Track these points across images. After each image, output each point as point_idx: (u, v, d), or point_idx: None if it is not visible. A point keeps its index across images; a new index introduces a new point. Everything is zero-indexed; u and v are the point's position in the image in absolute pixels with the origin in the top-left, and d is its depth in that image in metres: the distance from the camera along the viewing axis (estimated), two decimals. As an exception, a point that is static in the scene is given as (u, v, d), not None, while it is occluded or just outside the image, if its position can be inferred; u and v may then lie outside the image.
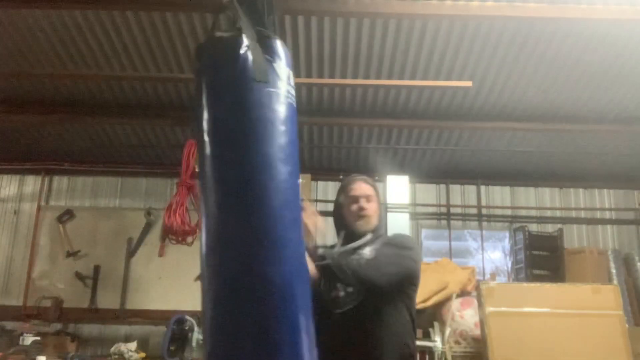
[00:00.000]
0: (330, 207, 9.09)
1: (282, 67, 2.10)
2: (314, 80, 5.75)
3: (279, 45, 2.14)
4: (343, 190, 2.76)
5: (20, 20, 5.05)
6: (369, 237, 2.56)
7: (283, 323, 1.84)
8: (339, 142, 7.37)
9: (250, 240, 1.88)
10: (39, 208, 7.93)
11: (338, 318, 2.35)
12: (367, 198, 2.67)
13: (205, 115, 2.05)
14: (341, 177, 8.10)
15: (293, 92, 2.13)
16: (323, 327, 2.20)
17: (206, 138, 2.02)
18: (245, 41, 2.03)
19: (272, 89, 2.01)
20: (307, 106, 6.48)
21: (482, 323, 5.34)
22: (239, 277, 1.86)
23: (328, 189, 8.08)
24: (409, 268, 2.46)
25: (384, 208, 2.72)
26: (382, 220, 2.68)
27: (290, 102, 2.09)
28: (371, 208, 2.65)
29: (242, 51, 2.01)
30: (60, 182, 8.13)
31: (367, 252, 2.45)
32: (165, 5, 4.71)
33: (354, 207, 2.64)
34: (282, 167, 1.96)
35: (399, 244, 2.56)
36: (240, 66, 2.00)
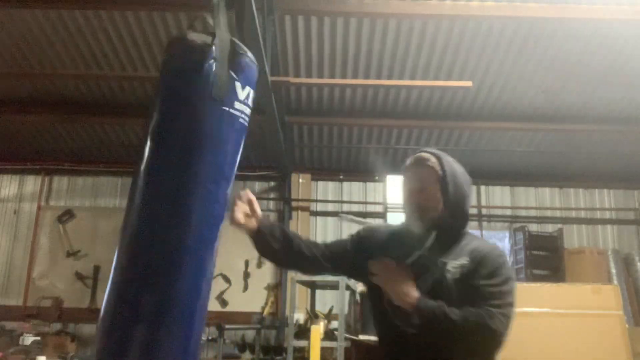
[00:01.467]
0: (330, 207, 9.07)
1: (245, 86, 2.05)
2: (314, 80, 5.75)
3: (246, 62, 2.07)
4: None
5: (20, 20, 5.05)
6: (432, 236, 1.87)
7: (173, 337, 1.86)
8: (339, 142, 7.37)
9: (160, 251, 1.89)
10: (39, 208, 7.93)
11: (411, 339, 1.81)
12: (417, 187, 1.93)
13: (154, 117, 2.02)
14: (341, 177, 8.11)
15: (248, 111, 2.08)
16: (396, 347, 1.88)
17: (148, 140, 2.00)
18: (214, 53, 1.97)
19: (225, 108, 1.97)
20: (307, 106, 6.48)
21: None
22: (141, 285, 1.89)
23: (328, 189, 8.08)
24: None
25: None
26: (453, 204, 1.85)
27: (242, 122, 2.05)
28: (422, 199, 1.89)
29: (207, 64, 1.96)
30: (60, 182, 8.13)
31: (451, 268, 1.80)
32: (165, 5, 4.71)
33: (404, 205, 1.98)
34: (212, 187, 1.95)
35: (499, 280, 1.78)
36: (202, 78, 1.95)
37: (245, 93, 2.05)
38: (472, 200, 2.00)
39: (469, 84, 5.49)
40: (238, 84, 2.01)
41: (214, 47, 1.98)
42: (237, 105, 2.01)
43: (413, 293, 1.75)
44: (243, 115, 2.05)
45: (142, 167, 1.98)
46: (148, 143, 1.99)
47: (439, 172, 1.87)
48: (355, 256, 1.99)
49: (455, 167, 1.92)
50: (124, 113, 6.55)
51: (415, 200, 1.90)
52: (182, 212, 1.90)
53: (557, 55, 5.34)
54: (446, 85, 5.64)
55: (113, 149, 7.61)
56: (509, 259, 7.87)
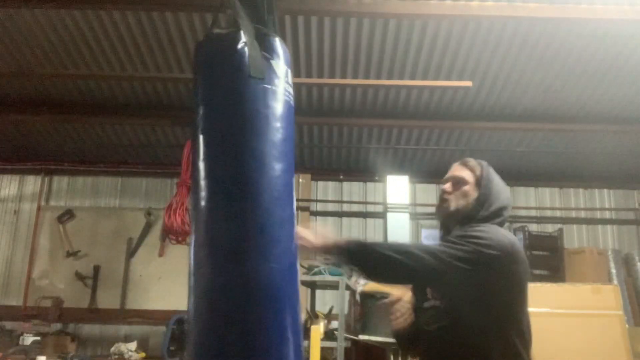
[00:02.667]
0: (330, 207, 9.08)
1: (280, 65, 2.09)
2: (314, 80, 5.75)
3: (277, 43, 2.13)
4: None
5: (20, 20, 5.05)
6: (457, 229, 1.98)
7: (268, 324, 1.84)
8: (339, 142, 7.37)
9: (238, 237, 1.87)
10: (39, 208, 7.93)
11: (428, 337, 1.92)
12: (455, 180, 2.08)
13: (200, 111, 2.04)
14: (341, 177, 8.11)
15: (291, 90, 2.12)
16: (420, 341, 1.98)
17: (200, 134, 2.02)
18: (243, 38, 2.02)
19: (268, 86, 2.01)
20: (307, 106, 6.48)
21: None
22: (225, 275, 1.86)
23: (328, 189, 8.08)
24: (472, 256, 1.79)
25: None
26: (483, 202, 1.99)
27: (287, 99, 2.07)
28: (453, 188, 2.06)
29: (239, 47, 2.00)
30: (60, 182, 8.13)
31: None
32: (165, 5, 4.71)
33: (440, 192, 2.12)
34: (275, 164, 1.95)
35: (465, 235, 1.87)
36: (236, 62, 1.99)
37: (282, 71, 2.10)
38: (505, 208, 2.09)
39: (469, 84, 5.49)
40: (274, 63, 2.06)
41: (241, 32, 2.02)
42: (277, 82, 2.05)
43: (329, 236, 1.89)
44: (286, 92, 2.09)
45: (200, 160, 1.98)
46: (200, 136, 2.00)
47: (477, 173, 2.09)
48: None
49: (495, 178, 2.12)
50: (124, 113, 6.55)
51: (449, 189, 2.06)
52: (249, 194, 1.89)
53: (557, 55, 5.34)
54: (446, 85, 5.64)
55: (113, 149, 7.61)
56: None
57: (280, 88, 2.05)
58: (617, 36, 5.00)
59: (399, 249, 1.80)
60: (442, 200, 2.06)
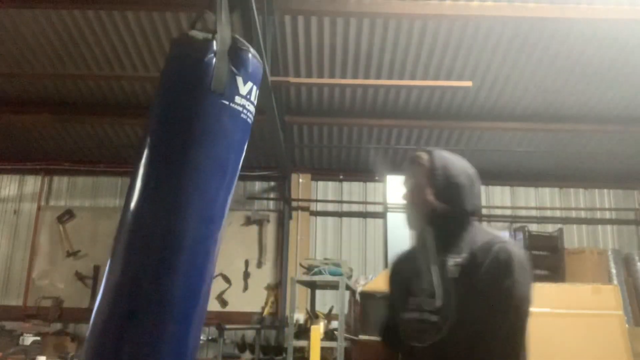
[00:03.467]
0: (330, 207, 9.07)
1: (246, 82, 2.04)
2: (314, 80, 5.74)
3: (250, 58, 2.06)
4: None
5: (20, 20, 5.05)
6: (428, 233, 1.79)
7: (172, 335, 1.83)
8: (339, 142, 7.37)
9: (158, 246, 1.85)
10: (39, 208, 7.93)
11: (420, 354, 1.71)
12: (409, 187, 1.91)
13: (154, 110, 2.01)
14: (341, 177, 8.11)
15: (251, 108, 2.07)
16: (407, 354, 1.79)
17: (147, 134, 1.99)
18: (215, 47, 1.98)
19: (226, 102, 1.96)
20: (307, 106, 6.48)
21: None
22: (139, 281, 1.85)
23: (328, 189, 8.08)
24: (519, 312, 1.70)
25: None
26: (444, 195, 1.78)
27: (244, 118, 2.03)
28: (413, 192, 1.88)
29: (207, 57, 1.96)
30: (60, 182, 8.14)
31: (451, 266, 1.68)
32: (165, 5, 4.71)
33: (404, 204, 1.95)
34: (212, 180, 1.93)
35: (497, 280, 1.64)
36: (200, 72, 1.94)
37: (247, 88, 2.04)
38: (477, 192, 1.85)
39: (469, 84, 5.49)
40: (239, 79, 2.01)
41: (214, 42, 1.98)
42: (237, 99, 2.00)
43: None
44: (245, 111, 2.03)
45: (141, 161, 1.95)
46: (147, 137, 1.98)
47: (428, 167, 1.83)
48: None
49: (449, 161, 1.85)
50: (124, 113, 6.55)
51: (409, 199, 1.87)
52: (180, 207, 1.87)
53: (557, 55, 5.34)
54: (446, 85, 5.64)
55: (113, 149, 7.61)
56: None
57: (239, 106, 2.00)
58: (617, 36, 5.00)
59: None
60: (407, 213, 1.89)
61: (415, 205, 1.84)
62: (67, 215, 7.84)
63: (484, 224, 8.01)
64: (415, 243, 1.85)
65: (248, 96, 2.05)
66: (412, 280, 1.77)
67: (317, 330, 4.56)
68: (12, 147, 7.67)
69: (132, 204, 1.92)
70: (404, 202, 1.89)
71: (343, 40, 5.25)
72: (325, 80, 5.75)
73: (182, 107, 1.96)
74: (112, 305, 1.86)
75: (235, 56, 2.02)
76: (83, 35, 5.26)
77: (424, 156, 1.87)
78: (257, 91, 2.10)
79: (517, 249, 1.69)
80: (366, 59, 5.52)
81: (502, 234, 1.78)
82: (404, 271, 1.86)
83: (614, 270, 7.26)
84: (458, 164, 1.86)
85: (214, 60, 1.96)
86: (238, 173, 2.06)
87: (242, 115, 2.02)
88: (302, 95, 6.26)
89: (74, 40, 5.32)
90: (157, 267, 1.85)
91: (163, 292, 1.83)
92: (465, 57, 5.43)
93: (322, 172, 8.06)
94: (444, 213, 1.76)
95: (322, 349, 4.62)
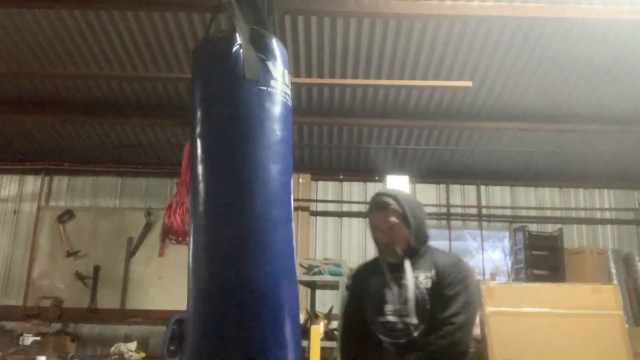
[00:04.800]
0: (330, 207, 9.05)
1: (277, 66, 2.07)
2: (314, 80, 5.75)
3: (274, 43, 2.11)
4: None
5: (20, 20, 5.06)
6: (407, 263, 2.28)
7: (266, 325, 1.84)
8: (339, 142, 7.37)
9: (234, 240, 1.88)
10: (39, 208, 7.93)
11: (397, 348, 2.21)
12: (386, 227, 2.33)
13: (197, 115, 2.04)
14: (341, 177, 8.11)
15: (288, 91, 2.11)
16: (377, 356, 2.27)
17: (197, 138, 2.02)
18: (238, 40, 2.01)
19: (263, 88, 2.00)
20: (307, 106, 6.48)
21: (482, 323, 5.33)
22: (222, 277, 1.87)
23: (328, 189, 8.08)
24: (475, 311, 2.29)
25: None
26: (415, 231, 2.29)
27: (284, 100, 2.06)
28: (392, 236, 2.31)
29: (233, 50, 1.99)
30: (60, 182, 8.13)
31: (422, 280, 2.23)
32: (165, 5, 4.71)
33: (376, 241, 2.41)
34: (271, 167, 1.95)
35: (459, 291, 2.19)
36: (231, 65, 1.98)
37: (279, 72, 2.08)
38: (426, 220, 2.42)
39: (469, 84, 5.49)
40: (270, 64, 2.05)
41: (237, 34, 2.01)
42: (273, 83, 2.04)
43: None
44: (283, 94, 2.07)
45: (198, 164, 1.99)
46: (197, 140, 2.01)
47: (400, 211, 2.28)
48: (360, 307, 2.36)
49: (411, 202, 2.35)
50: (124, 113, 6.55)
51: (387, 237, 2.30)
52: (245, 196, 1.90)
53: (557, 55, 5.34)
54: (446, 85, 5.65)
55: (113, 149, 7.61)
56: (509, 259, 7.87)
57: (277, 89, 2.04)
58: (617, 36, 5.00)
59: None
60: (385, 247, 2.34)
61: (395, 242, 2.29)
62: (67, 215, 7.83)
63: (484, 224, 8.02)
64: (386, 264, 2.32)
65: (283, 79, 2.09)
66: (385, 291, 2.25)
67: (317, 330, 4.56)
68: (12, 147, 7.67)
69: (201, 207, 1.95)
70: (381, 239, 2.34)
71: (343, 40, 5.25)
72: (326, 80, 5.75)
73: (224, 102, 2.00)
74: (205, 304, 1.89)
75: (260, 44, 2.06)
76: (83, 35, 5.26)
77: (392, 202, 2.30)
78: (288, 74, 2.14)
79: (468, 266, 2.40)
80: (366, 59, 5.52)
81: (450, 253, 2.52)
82: (373, 284, 2.31)
83: (614, 270, 7.26)
84: (416, 202, 2.39)
85: (241, 51, 1.99)
86: (292, 155, 2.09)
87: (282, 98, 2.06)
88: (303, 95, 6.26)
89: (74, 40, 5.32)
90: (238, 259, 1.87)
91: (249, 282, 1.85)
92: (465, 57, 5.43)
93: (322, 172, 8.06)
94: (417, 245, 2.29)
95: (322, 349, 4.62)
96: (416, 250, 2.29)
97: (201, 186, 1.97)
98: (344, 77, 5.76)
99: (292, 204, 2.10)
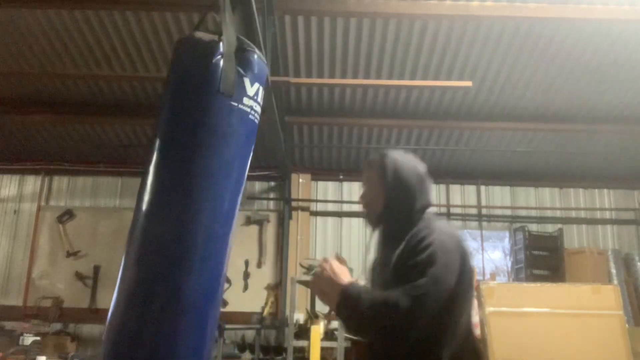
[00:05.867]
0: (330, 207, 9.05)
1: (253, 83, 2.04)
2: (314, 80, 5.74)
3: (255, 59, 2.07)
4: None
5: (20, 20, 5.05)
6: (380, 232, 1.94)
7: (184, 336, 1.84)
8: (339, 142, 7.37)
9: (171, 247, 1.86)
10: (39, 208, 7.93)
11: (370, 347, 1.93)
12: (364, 185, 2.00)
13: (163, 113, 2.01)
14: (341, 177, 8.11)
15: (258, 108, 2.08)
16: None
17: (157, 137, 1.99)
18: (221, 49, 1.97)
19: (234, 104, 1.97)
20: (307, 106, 6.48)
21: (482, 323, 5.33)
22: (149, 281, 1.86)
23: (328, 189, 8.08)
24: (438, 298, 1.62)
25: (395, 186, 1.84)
26: (392, 191, 1.84)
27: (251, 118, 2.04)
28: (367, 194, 1.95)
29: (214, 59, 1.96)
30: (60, 182, 8.13)
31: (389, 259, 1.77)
32: (165, 5, 4.72)
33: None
34: (224, 182, 1.94)
35: (418, 267, 1.64)
36: (208, 75, 1.94)
37: (254, 89, 2.05)
38: (427, 189, 1.93)
39: (469, 84, 5.49)
40: (246, 80, 2.02)
41: (221, 44, 1.98)
42: (245, 100, 2.01)
43: (337, 288, 1.65)
44: (252, 112, 2.05)
45: (151, 164, 1.97)
46: (157, 140, 1.98)
47: (380, 171, 1.88)
48: None
49: (399, 162, 1.90)
50: (124, 113, 6.55)
51: (363, 202, 1.94)
52: (191, 209, 1.88)
53: (557, 55, 5.34)
54: (446, 85, 5.64)
55: (113, 149, 7.61)
56: (509, 259, 7.86)
57: (246, 107, 2.01)
58: (617, 36, 5.00)
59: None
60: (364, 209, 1.96)
61: (370, 206, 1.91)
62: (67, 215, 7.84)
63: (484, 224, 8.02)
64: (377, 244, 1.96)
65: (255, 97, 2.07)
66: (373, 272, 1.94)
67: (317, 330, 4.56)
68: (12, 147, 7.67)
69: (144, 206, 1.94)
70: (361, 203, 1.97)
71: (343, 40, 5.25)
72: (325, 80, 5.75)
73: (192, 110, 1.97)
74: (128, 305, 1.88)
75: (242, 57, 2.02)
76: (83, 35, 5.26)
77: (376, 160, 1.93)
78: (263, 92, 2.11)
79: (443, 236, 1.73)
80: (366, 59, 5.52)
81: (443, 224, 1.83)
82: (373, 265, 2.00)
83: (614, 270, 7.26)
84: (408, 165, 1.91)
85: (222, 62, 1.96)
86: (246, 173, 2.07)
87: (249, 116, 2.04)
88: (302, 95, 6.26)
89: (74, 40, 5.32)
90: (170, 267, 1.85)
91: (176, 292, 1.84)
92: (465, 57, 5.43)
93: (322, 172, 8.06)
94: (394, 212, 1.84)
95: (322, 349, 4.62)
96: (394, 221, 1.84)
97: (150, 188, 1.93)
98: (344, 77, 5.75)
99: (235, 219, 2.06)
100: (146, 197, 1.94)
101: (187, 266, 1.86)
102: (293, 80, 5.45)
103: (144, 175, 1.99)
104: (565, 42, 5.14)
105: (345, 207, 8.00)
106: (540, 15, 4.62)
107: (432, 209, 1.92)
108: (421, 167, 1.96)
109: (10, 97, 6.41)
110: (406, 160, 1.93)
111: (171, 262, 1.86)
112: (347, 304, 1.63)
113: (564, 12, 4.60)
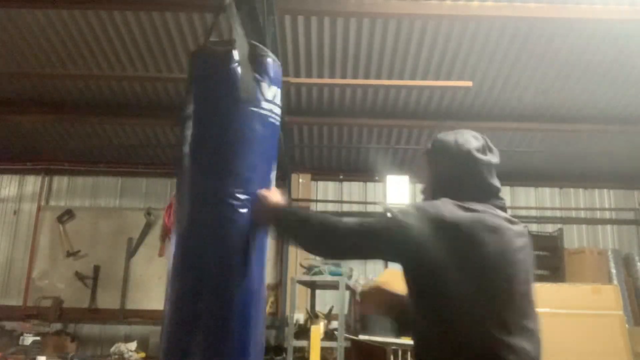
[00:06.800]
0: (330, 207, 9.03)
1: (270, 87, 2.11)
2: (314, 80, 5.74)
3: (269, 63, 2.12)
4: None
5: (20, 20, 5.05)
6: None
7: (231, 339, 1.89)
8: (339, 142, 7.37)
9: (213, 257, 1.92)
10: (39, 208, 7.93)
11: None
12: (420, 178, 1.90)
13: (189, 126, 2.08)
14: (341, 177, 8.11)
15: (278, 111, 2.14)
16: None
17: (186, 148, 2.06)
18: (236, 57, 2.03)
19: (255, 109, 2.03)
20: (307, 106, 6.48)
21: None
22: (196, 292, 1.92)
23: (328, 189, 8.08)
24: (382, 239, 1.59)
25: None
26: (437, 190, 1.72)
27: (272, 121, 2.10)
28: (424, 190, 1.86)
29: (231, 67, 2.02)
30: (60, 182, 8.14)
31: None
32: (165, 5, 4.71)
33: None
34: (254, 187, 1.99)
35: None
36: (228, 83, 2.01)
37: (272, 92, 2.12)
38: (471, 174, 1.77)
39: (469, 84, 5.49)
40: (264, 84, 2.08)
41: (234, 52, 2.04)
42: (264, 104, 2.07)
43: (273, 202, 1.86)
44: (272, 114, 2.11)
45: (186, 174, 2.05)
46: (187, 152, 2.06)
47: (428, 158, 1.76)
48: None
49: (449, 139, 1.74)
50: (124, 113, 6.55)
51: (422, 194, 1.82)
52: (227, 214, 1.94)
53: (557, 55, 5.34)
54: (446, 85, 5.64)
55: (113, 149, 7.61)
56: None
57: (266, 111, 2.08)
58: (617, 36, 5.00)
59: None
60: None
61: (423, 193, 1.80)
62: (67, 215, 7.84)
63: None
64: None
65: (274, 100, 2.13)
66: None
67: (317, 330, 4.56)
68: (12, 147, 7.67)
69: (184, 215, 2.00)
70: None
71: (343, 40, 5.24)
72: (325, 80, 5.75)
73: (215, 119, 2.04)
74: (177, 309, 1.94)
75: (257, 62, 2.09)
76: (83, 35, 5.26)
77: (428, 145, 1.79)
78: (280, 93, 2.17)
79: (425, 205, 1.63)
80: (366, 59, 5.52)
81: (446, 204, 1.63)
82: None
83: (614, 270, 7.27)
84: (460, 141, 1.74)
85: (239, 69, 2.02)
86: (273, 176, 2.13)
87: (270, 119, 2.11)
88: (302, 95, 6.26)
89: (74, 40, 5.32)
90: (214, 273, 1.92)
91: (223, 295, 1.90)
92: (465, 57, 5.43)
93: (322, 172, 8.06)
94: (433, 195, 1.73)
95: (322, 349, 4.62)
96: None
97: (187, 197, 2.02)
98: (344, 77, 5.75)
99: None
100: (186, 209, 2.02)
101: (230, 275, 1.93)
102: (293, 80, 5.46)
103: (179, 186, 2.09)
104: (565, 42, 5.14)
105: (346, 207, 8.00)
106: (540, 15, 4.62)
107: (490, 199, 1.76)
108: (473, 143, 1.77)
109: (10, 97, 6.40)
110: (463, 136, 1.76)
111: (212, 271, 1.92)
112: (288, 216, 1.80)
113: (564, 12, 4.60)
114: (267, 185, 2.07)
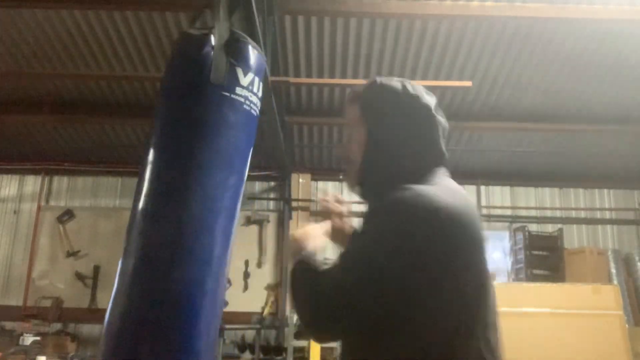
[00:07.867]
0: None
1: (247, 73, 2.04)
2: (314, 80, 5.74)
3: (249, 50, 2.07)
4: None
5: (20, 20, 5.05)
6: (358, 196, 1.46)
7: (181, 327, 1.84)
8: (339, 142, 7.36)
9: (164, 241, 1.87)
10: (39, 208, 7.93)
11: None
12: (346, 130, 1.43)
13: (158, 109, 2.05)
14: (341, 177, 8.10)
15: (255, 99, 2.07)
16: None
17: (153, 133, 2.03)
18: (212, 41, 1.99)
19: (226, 94, 1.97)
20: (307, 106, 6.48)
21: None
22: (144, 275, 1.88)
23: (328, 189, 8.07)
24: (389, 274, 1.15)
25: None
26: (377, 154, 1.29)
27: (246, 109, 2.03)
28: (346, 140, 1.41)
29: (204, 51, 1.98)
30: (60, 182, 8.13)
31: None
32: (165, 5, 4.71)
33: None
34: (216, 174, 1.93)
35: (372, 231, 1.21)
36: (198, 66, 1.96)
37: (248, 80, 2.05)
38: (429, 136, 1.38)
39: (469, 84, 5.49)
40: (239, 70, 2.02)
41: (212, 36, 2.00)
42: (239, 90, 2.01)
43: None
44: (247, 102, 2.04)
45: (148, 158, 1.99)
46: (153, 136, 2.00)
47: (361, 105, 1.31)
48: None
49: (395, 85, 1.32)
50: (124, 113, 6.55)
51: (341, 152, 1.38)
52: (188, 202, 1.89)
53: (557, 55, 5.34)
54: (446, 85, 5.64)
55: (113, 149, 7.61)
56: (509, 259, 7.85)
57: (240, 97, 2.01)
58: (617, 36, 5.00)
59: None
60: (343, 167, 1.41)
61: (348, 157, 1.36)
62: (67, 215, 7.83)
63: (484, 224, 8.01)
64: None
65: (250, 87, 2.06)
66: None
67: (317, 330, 4.55)
68: (12, 147, 7.66)
69: (141, 202, 1.95)
70: (339, 155, 1.40)
71: (343, 40, 5.24)
72: (325, 80, 5.75)
73: (184, 102, 1.99)
74: (127, 302, 1.90)
75: (234, 48, 2.03)
76: (83, 35, 5.26)
77: (358, 92, 1.34)
78: (260, 83, 2.11)
79: (421, 197, 1.16)
80: (366, 59, 5.52)
81: (433, 184, 1.24)
82: None
83: (614, 270, 7.26)
84: (402, 95, 1.30)
85: (212, 53, 1.98)
86: (247, 167, 2.06)
87: (244, 106, 2.04)
88: (302, 95, 6.26)
89: (74, 40, 5.32)
90: (169, 263, 1.86)
91: (171, 283, 1.85)
92: (465, 57, 5.43)
93: (322, 172, 8.06)
94: (374, 167, 1.30)
95: (322, 349, 4.62)
96: (371, 181, 1.33)
97: (145, 181, 1.97)
98: (344, 77, 5.75)
99: (238, 211, 2.04)
100: (144, 193, 1.96)
101: (179, 258, 1.86)
102: (293, 80, 5.45)
103: (140, 172, 2.01)
104: (565, 42, 5.14)
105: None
106: (540, 15, 4.62)
107: (442, 167, 1.30)
108: (428, 99, 1.37)
109: (10, 97, 6.40)
110: (400, 88, 1.32)
111: (160, 257, 1.87)
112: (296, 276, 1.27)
113: (564, 12, 4.60)
114: (239, 173, 1.99)
